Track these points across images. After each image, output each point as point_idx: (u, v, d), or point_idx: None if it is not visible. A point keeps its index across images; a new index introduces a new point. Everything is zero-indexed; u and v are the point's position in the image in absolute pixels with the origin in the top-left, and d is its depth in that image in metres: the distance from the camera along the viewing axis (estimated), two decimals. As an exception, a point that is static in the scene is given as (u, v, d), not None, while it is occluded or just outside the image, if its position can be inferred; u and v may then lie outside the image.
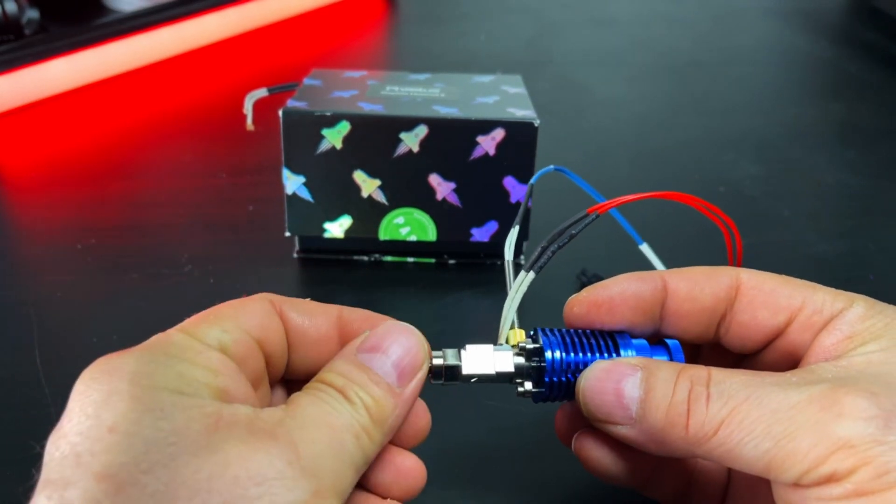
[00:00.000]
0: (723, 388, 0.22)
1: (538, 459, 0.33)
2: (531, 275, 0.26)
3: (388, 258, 0.46)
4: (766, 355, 0.26)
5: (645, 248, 0.34)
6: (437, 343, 0.27)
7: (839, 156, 0.61)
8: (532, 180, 0.29)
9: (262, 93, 0.45)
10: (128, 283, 0.43)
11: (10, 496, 0.30)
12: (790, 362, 0.25)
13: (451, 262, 0.46)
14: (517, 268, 0.27)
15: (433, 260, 0.46)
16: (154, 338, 0.21)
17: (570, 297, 0.26)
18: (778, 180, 0.57)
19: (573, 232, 0.26)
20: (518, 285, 0.26)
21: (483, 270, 0.45)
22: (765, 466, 0.21)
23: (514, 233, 0.28)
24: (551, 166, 0.30)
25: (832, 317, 0.24)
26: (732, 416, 0.21)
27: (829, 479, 0.20)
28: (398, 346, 0.23)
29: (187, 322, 0.22)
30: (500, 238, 0.44)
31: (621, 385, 0.23)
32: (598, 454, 0.26)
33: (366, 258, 0.46)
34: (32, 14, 0.65)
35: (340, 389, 0.22)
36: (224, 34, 0.79)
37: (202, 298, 0.42)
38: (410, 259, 0.46)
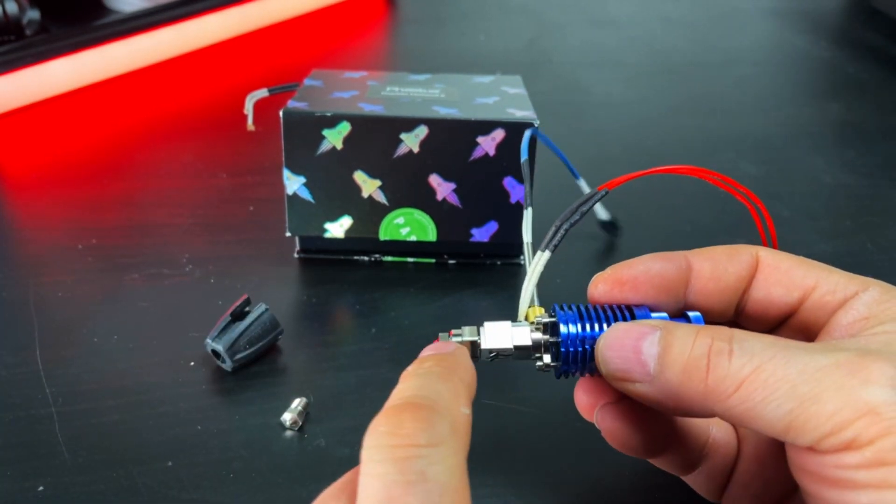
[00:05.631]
0: (746, 346, 0.22)
1: (539, 458, 0.33)
2: (547, 253, 0.27)
3: (388, 258, 0.46)
4: (781, 333, 0.26)
5: (582, 183, 0.34)
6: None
7: (838, 156, 0.61)
8: (524, 155, 0.30)
9: (262, 93, 0.45)
10: (128, 283, 0.43)
11: (10, 496, 0.30)
12: (804, 339, 0.25)
13: (451, 262, 0.46)
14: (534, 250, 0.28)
15: (433, 260, 0.46)
16: None
17: (595, 275, 0.27)
18: (777, 180, 0.57)
19: (584, 209, 0.27)
20: (535, 264, 0.27)
21: (483, 270, 0.45)
22: (785, 427, 0.20)
23: (528, 216, 0.29)
24: (529, 130, 0.31)
25: (846, 299, 0.24)
26: (757, 374, 0.21)
27: (849, 446, 0.19)
28: None
29: None
30: (500, 238, 0.44)
31: (640, 342, 0.23)
32: (617, 426, 0.26)
33: (366, 258, 0.46)
34: (33, 14, 0.65)
35: None
36: (225, 35, 0.79)
37: (202, 298, 0.42)
38: (410, 259, 0.46)
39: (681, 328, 0.23)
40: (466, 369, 0.23)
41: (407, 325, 0.41)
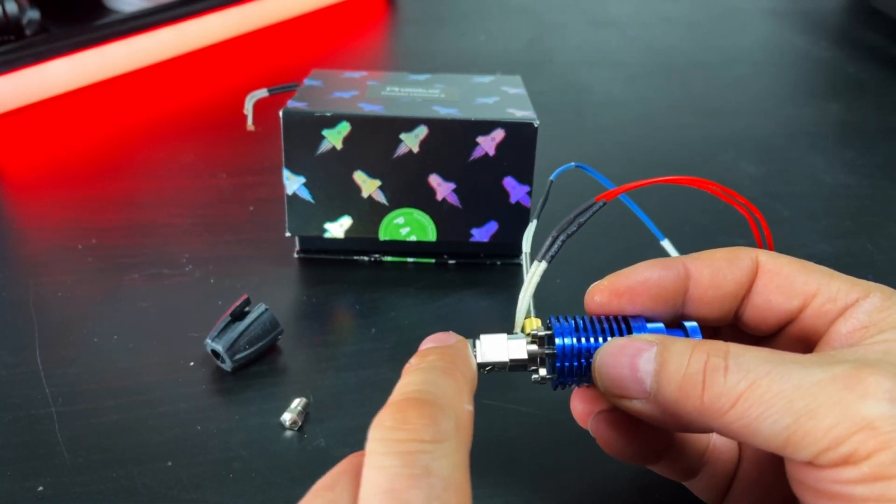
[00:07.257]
0: (742, 361, 0.21)
1: (539, 458, 0.33)
2: (543, 264, 0.26)
3: (388, 258, 0.46)
4: (780, 340, 0.26)
5: (666, 244, 0.34)
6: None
7: (838, 156, 0.61)
8: (552, 177, 0.29)
9: (262, 93, 0.45)
10: (128, 283, 0.43)
11: (10, 496, 0.30)
12: (804, 348, 0.25)
13: (451, 262, 0.46)
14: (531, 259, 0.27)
15: (433, 260, 0.46)
16: None
17: (591, 286, 0.26)
18: (777, 180, 0.57)
19: (581, 220, 0.26)
20: (531, 275, 0.26)
21: (483, 270, 0.45)
22: (783, 443, 0.20)
23: (531, 228, 0.29)
24: (572, 163, 0.30)
25: (847, 306, 0.24)
26: (752, 390, 0.21)
27: (847, 461, 0.19)
28: None
29: None
30: (499, 238, 0.44)
31: (636, 359, 0.23)
32: (612, 434, 0.26)
33: (366, 258, 0.46)
34: (33, 14, 0.65)
35: None
36: (225, 35, 0.79)
37: (202, 298, 0.42)
38: (410, 259, 0.46)
39: (677, 343, 0.23)
40: (468, 364, 0.24)
41: (407, 325, 0.41)
